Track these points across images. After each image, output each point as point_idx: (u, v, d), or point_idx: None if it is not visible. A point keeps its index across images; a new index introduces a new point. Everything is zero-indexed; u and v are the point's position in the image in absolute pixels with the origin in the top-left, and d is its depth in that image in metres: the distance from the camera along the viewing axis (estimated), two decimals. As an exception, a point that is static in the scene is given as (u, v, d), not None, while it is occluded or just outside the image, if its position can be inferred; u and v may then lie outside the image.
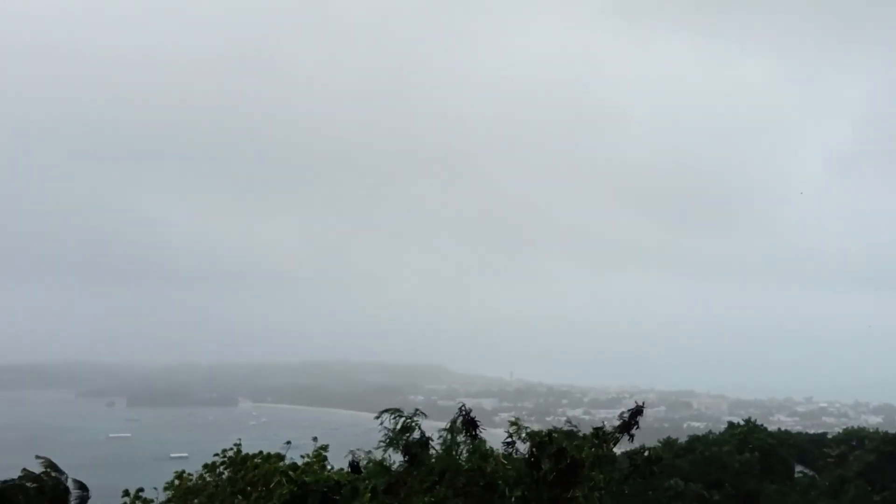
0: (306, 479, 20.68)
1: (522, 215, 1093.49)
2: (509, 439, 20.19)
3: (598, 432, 20.29)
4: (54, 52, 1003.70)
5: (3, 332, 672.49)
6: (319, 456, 31.67)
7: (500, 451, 20.44)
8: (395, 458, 20.47)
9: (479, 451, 19.90)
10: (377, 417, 20.40)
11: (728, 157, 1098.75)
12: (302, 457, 31.49)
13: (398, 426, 20.08)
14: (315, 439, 32.03)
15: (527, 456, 19.75)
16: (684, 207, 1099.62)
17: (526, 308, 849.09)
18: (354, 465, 21.31)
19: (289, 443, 33.66)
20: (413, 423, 20.19)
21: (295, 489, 20.24)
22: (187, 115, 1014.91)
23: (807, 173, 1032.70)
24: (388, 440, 20.06)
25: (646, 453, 21.37)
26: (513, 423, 20.31)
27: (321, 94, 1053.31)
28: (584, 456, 19.46)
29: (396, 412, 20.34)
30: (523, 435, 19.98)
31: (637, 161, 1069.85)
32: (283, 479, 20.82)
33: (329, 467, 27.56)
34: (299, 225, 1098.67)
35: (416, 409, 20.79)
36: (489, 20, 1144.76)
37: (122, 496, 33.19)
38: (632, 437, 20.63)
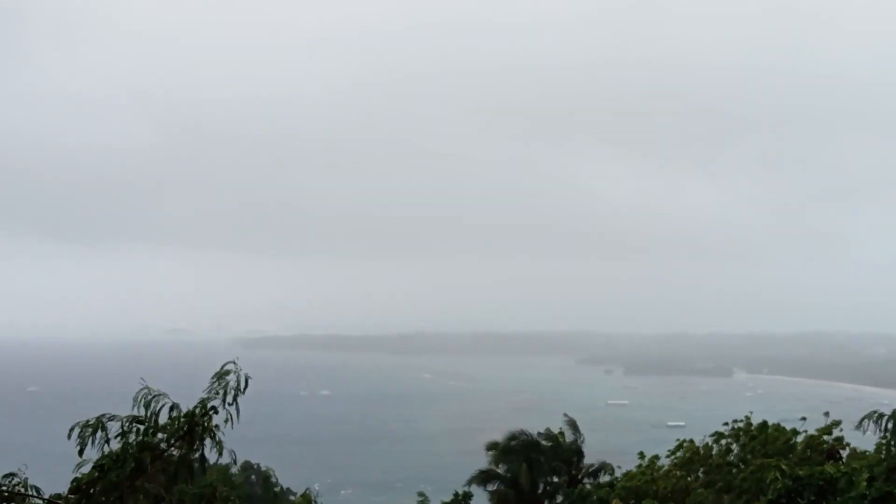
0: (801, 472, 19.19)
1: None
2: None
3: None
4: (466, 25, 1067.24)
5: (512, 303, 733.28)
6: (829, 430, 29.28)
7: None
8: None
9: None
10: (857, 427, 19.25)
11: None
12: (817, 431, 28.82)
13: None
14: (826, 414, 31.13)
15: None
16: None
17: None
18: None
19: (804, 419, 31.06)
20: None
21: (790, 483, 18.85)
22: (601, 72, 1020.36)
23: None
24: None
25: None
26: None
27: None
28: None
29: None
30: None
31: None
32: (777, 474, 19.35)
33: None
34: (744, 186, 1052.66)
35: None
36: None
37: (638, 457, 33.00)
38: None
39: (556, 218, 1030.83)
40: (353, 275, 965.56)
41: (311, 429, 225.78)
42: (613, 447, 41.78)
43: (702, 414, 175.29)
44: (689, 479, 31.29)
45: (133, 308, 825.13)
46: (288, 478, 61.68)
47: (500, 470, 40.00)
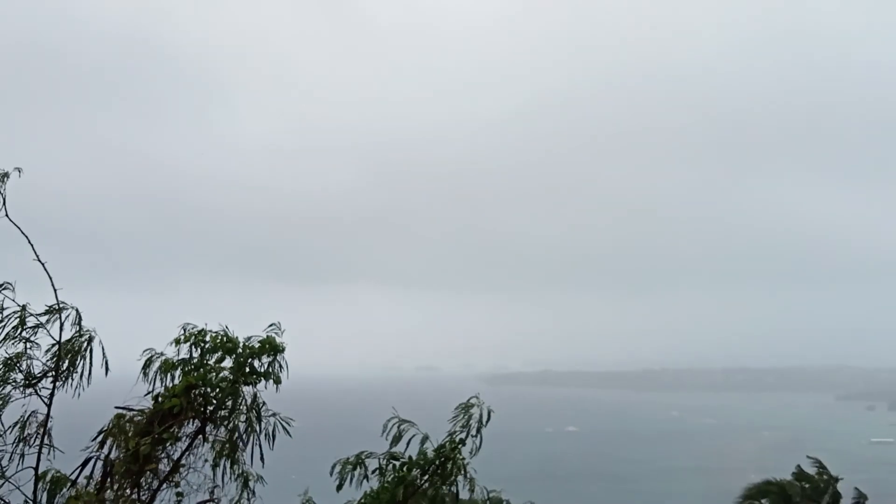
0: None
1: None
2: None
3: None
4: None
5: (766, 336, 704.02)
6: None
7: None
8: None
9: None
10: None
11: None
12: None
13: None
14: None
15: None
16: None
17: None
18: None
19: None
20: None
21: None
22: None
23: None
24: None
25: None
26: None
27: None
28: None
29: None
30: None
31: None
32: None
33: None
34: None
35: None
36: None
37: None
38: None
39: (769, 244, 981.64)
40: (593, 310, 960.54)
41: (557, 466, 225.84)
42: (877, 488, 39.41)
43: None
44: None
45: (379, 347, 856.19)
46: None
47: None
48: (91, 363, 10.51)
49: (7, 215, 10.27)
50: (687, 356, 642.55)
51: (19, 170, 10.18)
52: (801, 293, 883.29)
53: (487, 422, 10.67)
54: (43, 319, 10.40)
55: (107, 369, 10.59)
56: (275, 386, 10.92)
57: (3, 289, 10.18)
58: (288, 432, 10.98)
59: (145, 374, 10.66)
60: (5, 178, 10.25)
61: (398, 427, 10.74)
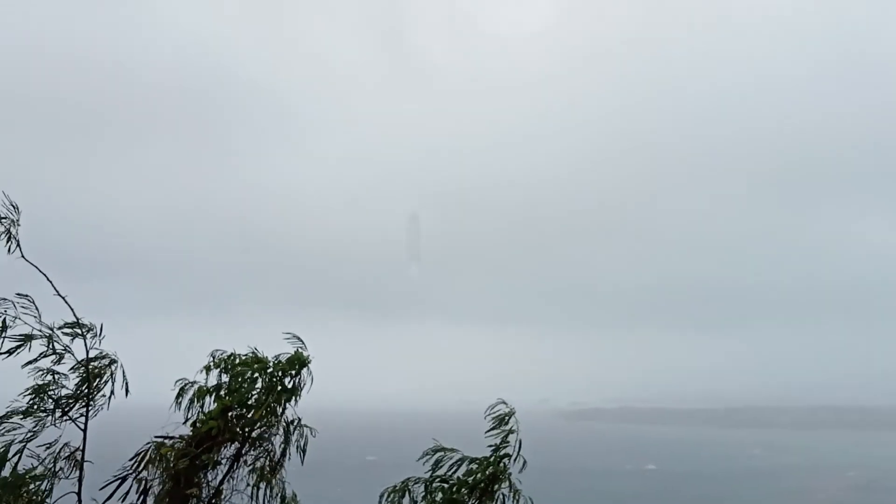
0: None
1: None
2: None
3: None
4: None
5: (851, 373, 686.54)
6: None
7: None
8: None
9: None
10: None
11: None
12: None
13: None
14: None
15: None
16: None
17: None
18: None
19: None
20: None
21: None
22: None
23: None
24: None
25: None
26: None
27: None
28: None
29: None
30: None
31: None
32: None
33: None
34: None
35: None
36: None
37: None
38: None
39: (853, 278, 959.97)
40: (674, 345, 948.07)
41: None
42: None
43: None
44: None
45: (452, 382, 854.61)
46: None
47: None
48: (114, 384, 10.31)
49: (23, 255, 10.03)
50: (770, 393, 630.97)
51: (15, 206, 10.02)
52: (887, 327, 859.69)
53: (507, 421, 10.39)
54: (67, 340, 10.15)
55: (127, 391, 10.37)
56: (300, 402, 10.77)
57: (9, 304, 9.94)
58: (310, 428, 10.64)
59: (178, 403, 10.48)
60: (16, 223, 10.03)
61: (436, 454, 10.40)
